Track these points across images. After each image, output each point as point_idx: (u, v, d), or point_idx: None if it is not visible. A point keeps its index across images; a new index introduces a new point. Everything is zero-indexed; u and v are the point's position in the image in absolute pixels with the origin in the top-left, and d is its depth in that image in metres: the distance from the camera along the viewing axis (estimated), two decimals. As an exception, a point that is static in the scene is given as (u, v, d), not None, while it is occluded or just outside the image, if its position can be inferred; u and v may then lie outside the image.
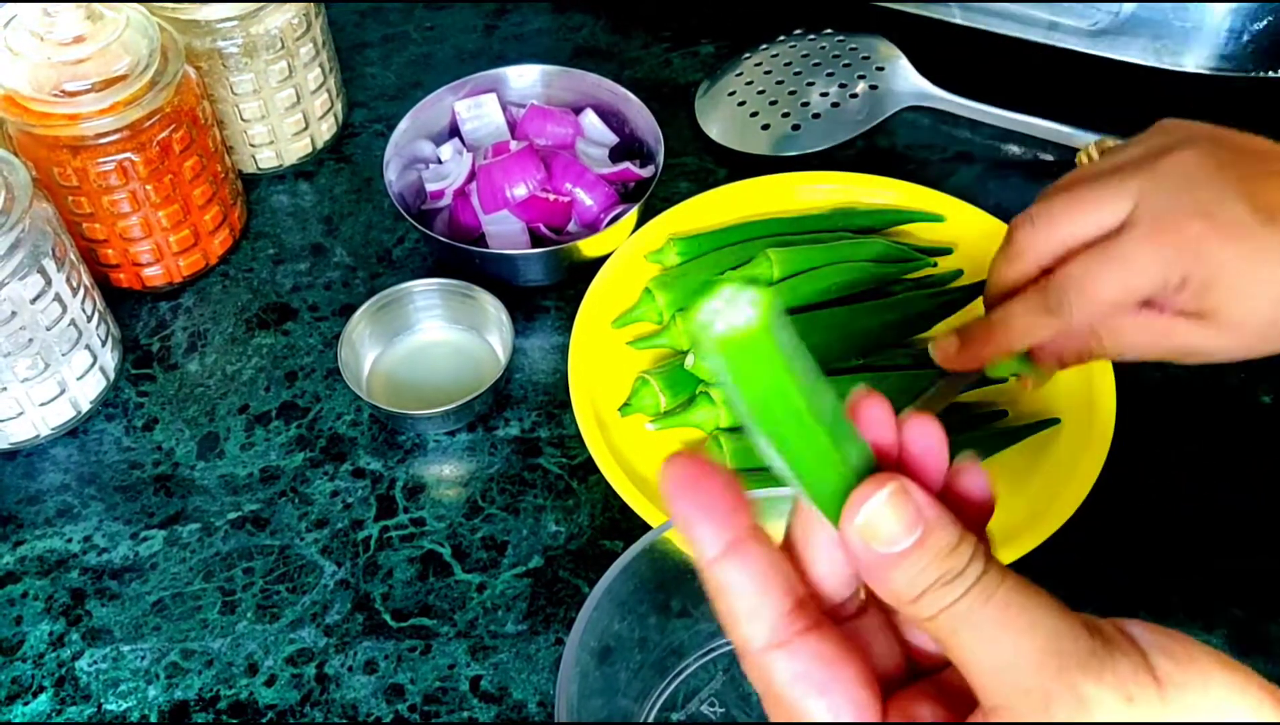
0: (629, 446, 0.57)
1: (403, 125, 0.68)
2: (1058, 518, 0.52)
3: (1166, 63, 0.68)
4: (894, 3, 0.75)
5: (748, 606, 0.28)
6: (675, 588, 0.48)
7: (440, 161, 0.70)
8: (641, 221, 0.65)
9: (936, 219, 0.65)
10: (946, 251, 0.64)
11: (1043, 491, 0.54)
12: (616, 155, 0.70)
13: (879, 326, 0.60)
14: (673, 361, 0.59)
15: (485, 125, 0.70)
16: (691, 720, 0.48)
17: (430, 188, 0.68)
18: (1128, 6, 0.67)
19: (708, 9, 0.82)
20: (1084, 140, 0.69)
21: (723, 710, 0.49)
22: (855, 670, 0.28)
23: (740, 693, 0.49)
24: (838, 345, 0.59)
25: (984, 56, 0.74)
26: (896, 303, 0.61)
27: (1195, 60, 0.67)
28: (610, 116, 0.71)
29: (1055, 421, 0.57)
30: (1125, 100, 0.73)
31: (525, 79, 0.71)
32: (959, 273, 0.63)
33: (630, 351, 0.61)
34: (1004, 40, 0.72)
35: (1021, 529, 0.52)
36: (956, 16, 0.72)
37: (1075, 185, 0.47)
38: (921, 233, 0.65)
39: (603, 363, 0.60)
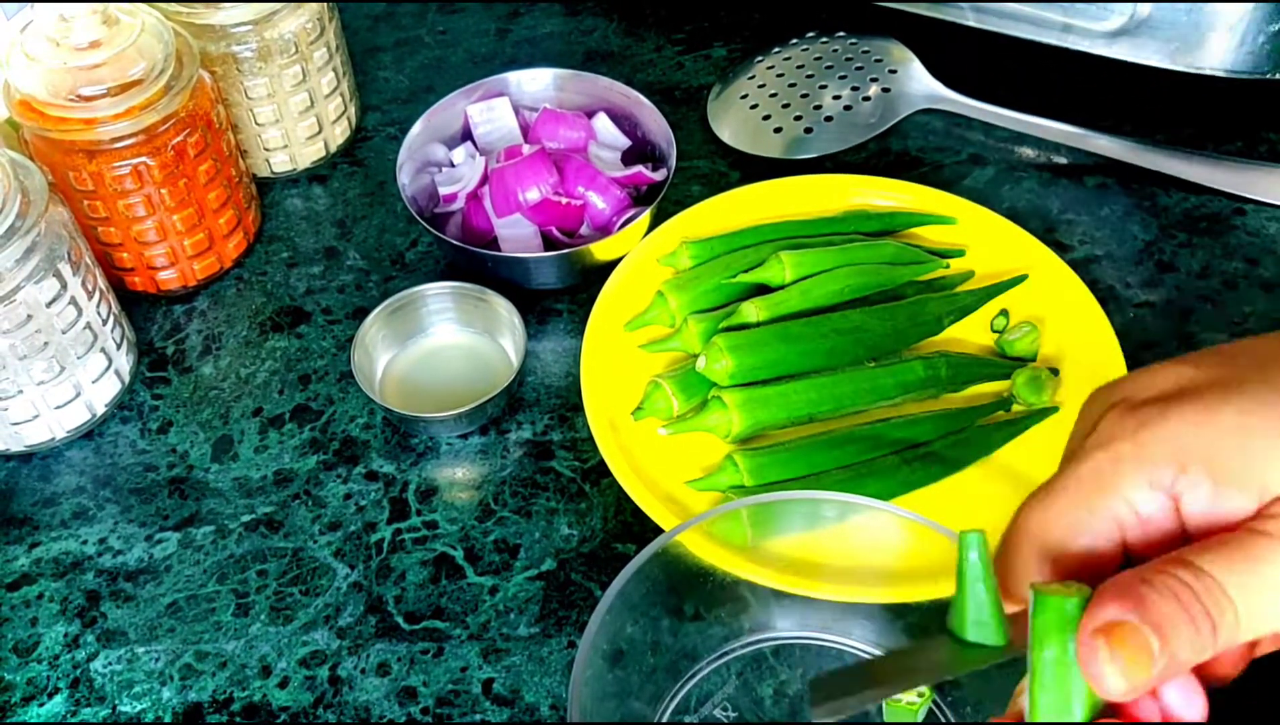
0: (641, 450, 0.57)
1: (416, 129, 0.68)
2: None
3: (1181, 65, 0.67)
4: (906, 5, 0.75)
5: None
6: (688, 591, 0.48)
7: (453, 165, 0.70)
8: (654, 225, 0.65)
9: (948, 221, 0.65)
10: (959, 253, 0.64)
11: None
12: (629, 159, 0.70)
13: (892, 328, 0.60)
14: (685, 365, 0.59)
15: (498, 129, 0.70)
16: (704, 723, 0.48)
17: (443, 191, 0.68)
18: (1142, 8, 0.67)
19: (720, 12, 0.82)
20: (1098, 142, 0.69)
21: (736, 714, 0.49)
22: None
23: (753, 696, 0.49)
24: (850, 348, 0.59)
25: (997, 59, 0.74)
26: (909, 305, 0.61)
27: (1210, 62, 0.67)
28: (622, 120, 0.71)
29: (1053, 410, 0.57)
30: (1140, 103, 0.73)
31: (538, 82, 0.71)
32: (970, 274, 0.63)
33: (643, 355, 0.61)
34: (1018, 43, 0.72)
35: None
36: (969, 19, 0.72)
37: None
38: (933, 235, 0.65)
39: (615, 366, 0.60)
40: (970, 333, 0.61)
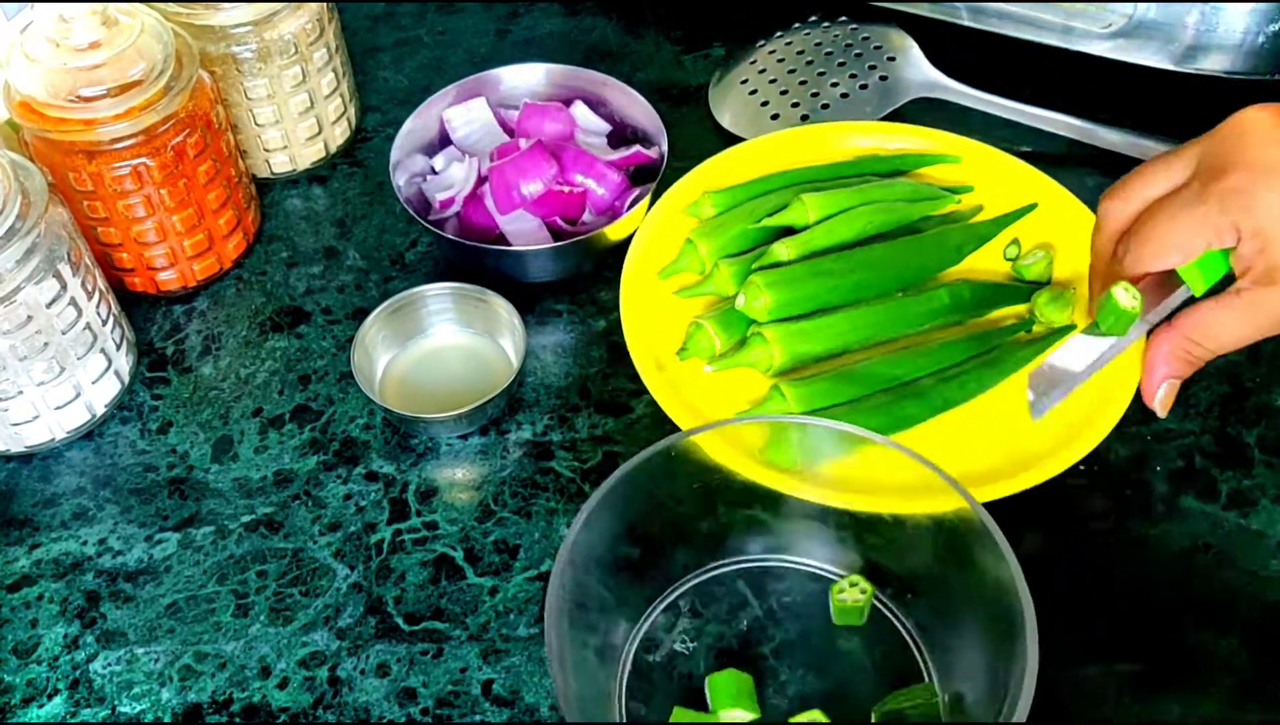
0: (688, 389, 0.59)
1: (407, 126, 0.68)
2: (1091, 441, 0.54)
3: (1181, 66, 0.68)
4: (906, 5, 0.75)
5: None
6: (645, 523, 0.51)
7: (435, 172, 0.70)
8: (652, 204, 0.66)
9: (954, 160, 0.68)
10: (967, 189, 0.67)
11: (1075, 416, 0.56)
12: (614, 141, 0.71)
13: (916, 260, 0.63)
14: (723, 306, 0.61)
15: (477, 129, 0.71)
16: (668, 658, 0.51)
17: (439, 197, 0.67)
18: (1142, 8, 0.67)
19: (719, 10, 0.82)
20: (1098, 135, 0.70)
21: (695, 645, 0.52)
22: None
23: (709, 622, 0.52)
24: (879, 280, 0.62)
25: (998, 61, 0.74)
26: (930, 237, 0.64)
27: (1210, 63, 0.67)
28: (597, 106, 0.72)
29: (1071, 327, 0.60)
30: (1140, 103, 0.72)
31: (513, 80, 0.72)
32: (980, 208, 0.66)
33: (675, 301, 0.63)
34: (1018, 43, 0.72)
35: (1057, 449, 0.54)
36: (968, 20, 0.72)
37: (1153, 159, 0.49)
38: (941, 174, 0.68)
39: (652, 313, 0.62)
40: (986, 263, 0.64)
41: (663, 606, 0.53)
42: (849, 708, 0.49)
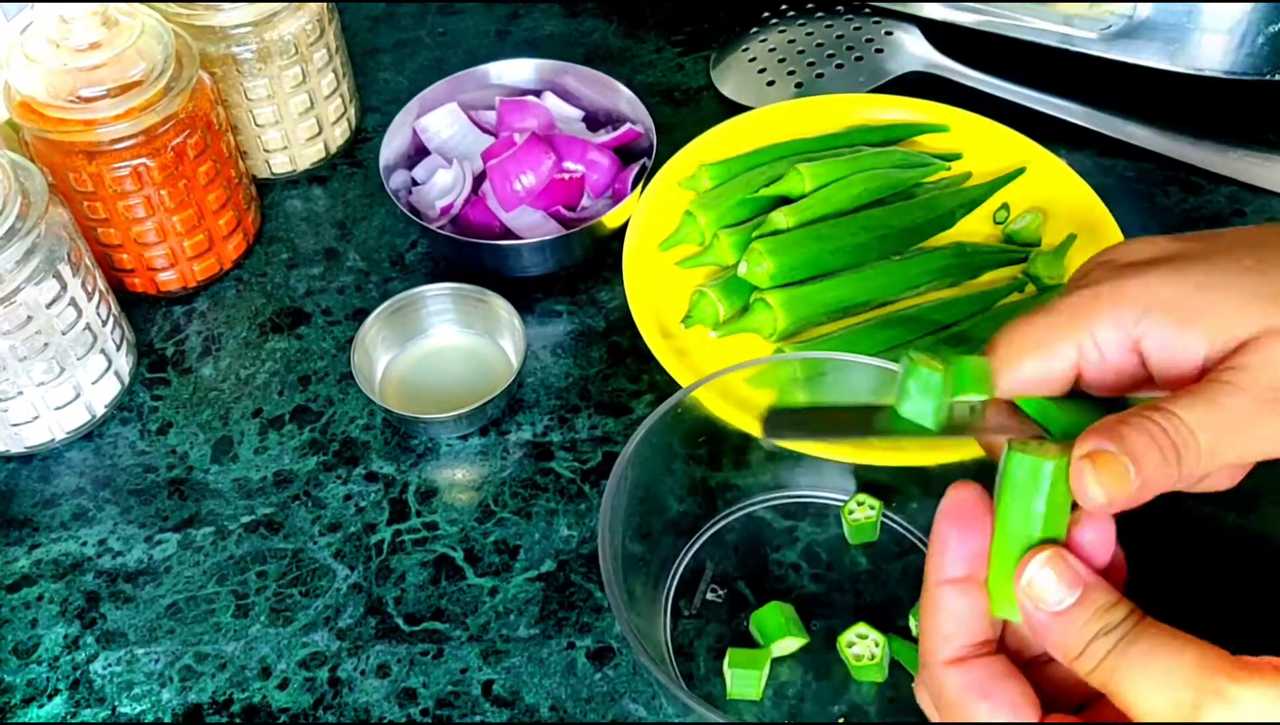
0: (695, 356, 0.60)
1: (398, 119, 0.68)
2: None
3: (1181, 66, 0.68)
4: (905, 5, 0.75)
5: (950, 629, 0.35)
6: (656, 485, 0.52)
7: (416, 183, 0.69)
8: (647, 181, 0.67)
9: (942, 129, 0.69)
10: (956, 156, 0.68)
11: None
12: (591, 125, 0.72)
13: (909, 225, 0.64)
14: (725, 274, 0.63)
15: (456, 132, 0.71)
16: (701, 610, 0.53)
17: (439, 203, 0.67)
18: (1142, 9, 0.67)
19: (720, 13, 0.82)
20: (1098, 119, 0.70)
21: (725, 591, 0.54)
22: (1019, 685, 0.34)
23: (734, 572, 0.54)
24: (877, 244, 0.63)
25: (997, 60, 0.74)
26: (920, 203, 0.65)
27: (1210, 63, 0.67)
28: (566, 95, 0.72)
29: (1060, 285, 0.61)
30: (1139, 104, 0.73)
31: (480, 79, 0.72)
32: (969, 175, 0.68)
33: (678, 272, 0.64)
34: (1017, 44, 0.72)
35: None
36: (967, 20, 0.73)
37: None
38: (930, 142, 0.69)
39: (655, 284, 0.63)
40: (978, 226, 0.66)
41: (686, 560, 0.54)
42: (887, 616, 0.52)
